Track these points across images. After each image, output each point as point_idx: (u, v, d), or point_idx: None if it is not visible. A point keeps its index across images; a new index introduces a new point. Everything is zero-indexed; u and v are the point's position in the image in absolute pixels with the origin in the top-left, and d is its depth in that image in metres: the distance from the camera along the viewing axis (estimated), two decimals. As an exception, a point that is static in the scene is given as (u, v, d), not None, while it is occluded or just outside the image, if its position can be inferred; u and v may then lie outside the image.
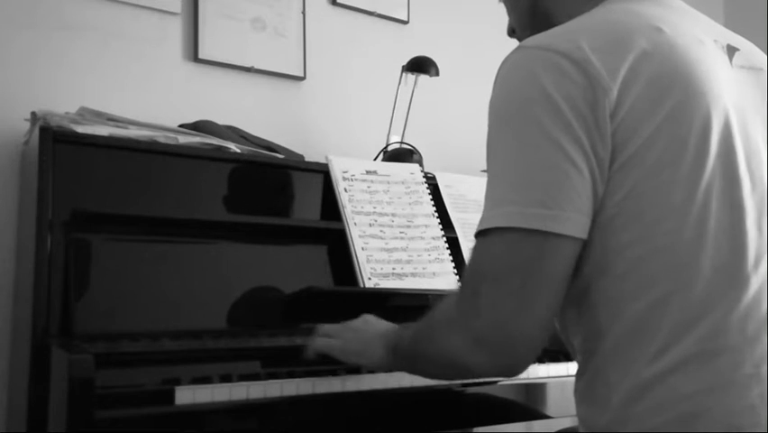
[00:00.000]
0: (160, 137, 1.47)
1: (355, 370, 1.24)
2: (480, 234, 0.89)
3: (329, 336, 1.17)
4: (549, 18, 1.06)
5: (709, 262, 0.84)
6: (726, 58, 0.97)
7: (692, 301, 0.84)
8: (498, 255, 0.86)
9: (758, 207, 0.89)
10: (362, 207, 1.58)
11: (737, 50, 1.00)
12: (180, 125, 1.62)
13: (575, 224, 0.84)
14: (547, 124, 0.85)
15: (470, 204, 1.77)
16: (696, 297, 0.84)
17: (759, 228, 0.88)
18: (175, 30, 1.88)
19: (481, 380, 1.31)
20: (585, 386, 0.92)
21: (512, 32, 1.15)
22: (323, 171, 1.61)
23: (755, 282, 0.86)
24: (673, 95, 0.86)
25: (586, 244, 0.87)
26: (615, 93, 0.85)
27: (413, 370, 1.07)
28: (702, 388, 0.82)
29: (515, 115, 0.88)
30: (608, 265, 0.87)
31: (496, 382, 1.36)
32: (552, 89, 0.85)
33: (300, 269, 1.49)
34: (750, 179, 0.89)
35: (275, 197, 1.58)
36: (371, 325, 1.16)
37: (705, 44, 0.95)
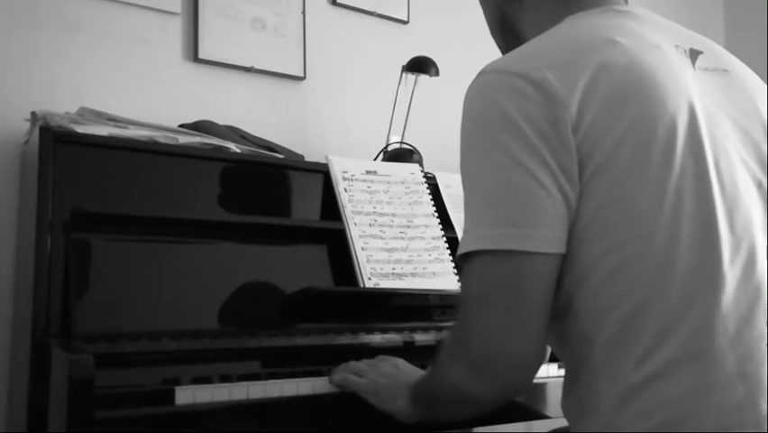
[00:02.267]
0: (160, 137, 1.47)
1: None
2: (462, 260, 0.91)
3: (359, 375, 1.16)
4: (516, 28, 1.10)
5: (684, 265, 0.85)
6: (689, 62, 0.98)
7: (671, 305, 0.85)
8: (478, 279, 0.89)
9: (728, 207, 0.89)
10: (362, 207, 1.58)
11: (701, 53, 1.00)
12: (180, 125, 1.62)
13: (547, 240, 0.86)
14: (511, 146, 0.87)
15: (470, 204, 1.77)
16: (674, 300, 0.85)
17: (731, 228, 0.88)
18: (175, 30, 1.88)
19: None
20: (574, 395, 0.93)
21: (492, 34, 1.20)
22: (323, 171, 1.61)
23: (732, 281, 0.86)
24: (634, 104, 0.87)
25: (566, 257, 0.88)
26: (575, 107, 0.86)
27: (433, 415, 1.05)
28: (688, 391, 0.83)
29: (480, 140, 0.91)
30: (587, 277, 0.88)
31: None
32: (512, 111, 0.87)
33: (300, 269, 1.49)
34: (719, 180, 0.89)
35: (275, 197, 1.58)
36: (402, 372, 1.14)
37: (663, 49, 0.95)
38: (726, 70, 1.01)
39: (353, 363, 1.20)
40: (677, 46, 0.98)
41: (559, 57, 0.90)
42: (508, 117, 0.87)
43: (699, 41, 1.03)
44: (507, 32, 1.13)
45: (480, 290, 0.88)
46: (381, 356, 1.21)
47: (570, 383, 0.95)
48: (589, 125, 0.86)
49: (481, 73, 0.94)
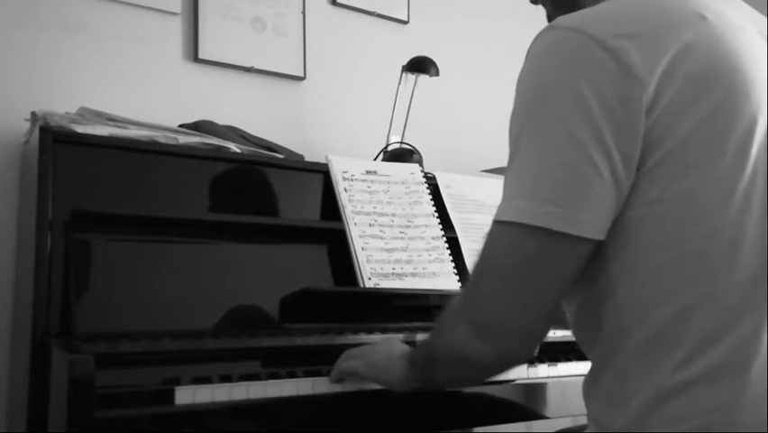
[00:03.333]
0: (160, 137, 1.47)
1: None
2: (495, 222, 0.87)
3: (354, 359, 1.17)
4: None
5: (744, 271, 0.81)
6: None
7: (723, 310, 0.81)
8: (503, 248, 0.86)
9: None
10: (362, 207, 1.58)
11: None
12: (180, 125, 1.62)
13: (588, 225, 0.82)
14: (571, 120, 0.81)
15: (470, 204, 1.77)
16: (727, 306, 0.81)
17: None
18: (175, 30, 1.88)
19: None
20: (602, 386, 0.90)
21: (536, 0, 1.09)
22: (323, 171, 1.61)
23: None
24: (716, 92, 0.82)
25: (615, 244, 0.84)
26: (653, 87, 0.80)
27: (429, 378, 1.03)
28: (725, 401, 0.80)
29: (539, 105, 0.84)
30: (638, 267, 0.84)
31: (496, 382, 1.36)
32: (580, 80, 0.81)
33: (300, 269, 1.49)
34: None
35: (275, 196, 1.58)
36: (395, 346, 1.14)
37: (748, 33, 0.89)
38: None
39: (348, 351, 1.19)
40: (760, 31, 0.92)
41: (642, 26, 0.82)
42: (575, 87, 0.81)
43: None
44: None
45: (502, 259, 0.86)
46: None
47: (596, 373, 0.91)
48: (663, 109, 0.80)
49: (553, 27, 0.85)
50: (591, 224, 0.82)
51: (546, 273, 0.84)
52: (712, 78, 0.82)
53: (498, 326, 0.86)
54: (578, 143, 0.80)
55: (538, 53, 0.86)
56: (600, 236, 0.83)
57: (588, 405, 0.93)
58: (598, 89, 0.80)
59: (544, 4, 1.07)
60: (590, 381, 0.92)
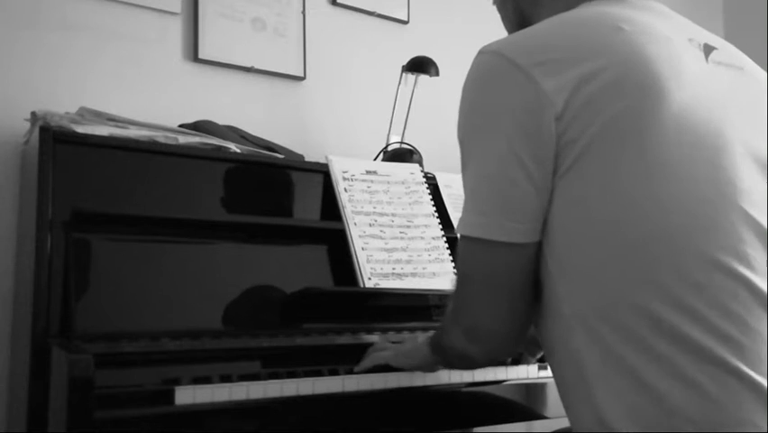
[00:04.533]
0: (160, 137, 1.47)
1: (355, 370, 1.24)
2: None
3: (383, 351, 1.26)
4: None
5: (669, 260, 0.84)
6: (702, 55, 0.97)
7: (657, 301, 0.83)
8: (463, 260, 0.97)
9: (728, 199, 0.88)
10: (362, 207, 1.58)
11: (715, 48, 1.00)
12: (180, 125, 1.62)
13: (514, 231, 0.89)
14: (488, 136, 0.90)
15: (470, 204, 1.77)
16: (660, 297, 0.83)
17: (729, 220, 0.87)
18: (175, 30, 1.88)
19: (483, 379, 1.32)
20: (566, 387, 0.94)
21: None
22: (323, 171, 1.61)
23: (721, 279, 0.85)
24: (627, 95, 0.87)
25: (548, 243, 0.90)
26: (561, 102, 0.86)
27: (446, 363, 1.16)
28: (672, 384, 0.82)
29: (467, 126, 0.95)
30: (570, 262, 0.89)
31: (496, 382, 1.36)
32: (494, 98, 0.90)
33: (300, 269, 1.49)
34: (716, 174, 0.88)
35: (275, 197, 1.58)
36: (418, 339, 1.23)
37: (673, 42, 0.94)
38: (741, 68, 1.01)
39: (375, 345, 1.29)
40: (690, 39, 0.97)
41: (555, 53, 0.89)
42: (490, 107, 0.90)
43: (715, 39, 1.02)
44: None
45: (465, 270, 0.97)
46: None
47: (558, 373, 0.95)
48: (574, 115, 0.86)
49: (480, 52, 0.95)
50: (517, 230, 0.89)
51: (498, 282, 0.93)
52: (623, 83, 0.87)
53: (477, 330, 0.97)
54: (495, 157, 0.89)
55: (467, 77, 0.95)
56: (531, 239, 0.91)
57: (565, 406, 0.96)
58: (511, 104, 0.88)
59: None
60: (556, 381, 0.97)
